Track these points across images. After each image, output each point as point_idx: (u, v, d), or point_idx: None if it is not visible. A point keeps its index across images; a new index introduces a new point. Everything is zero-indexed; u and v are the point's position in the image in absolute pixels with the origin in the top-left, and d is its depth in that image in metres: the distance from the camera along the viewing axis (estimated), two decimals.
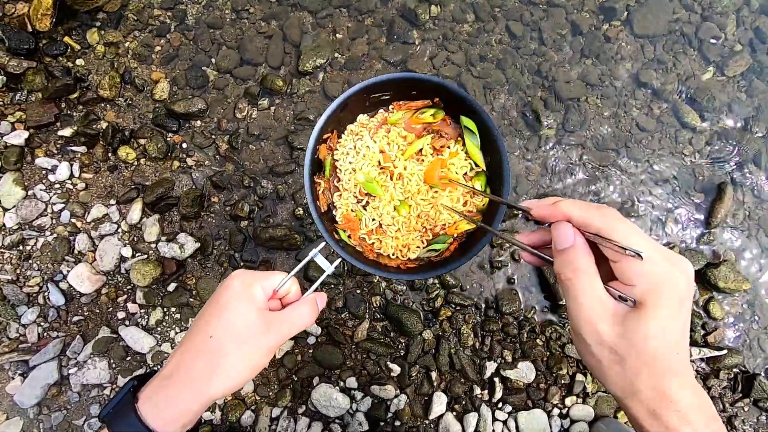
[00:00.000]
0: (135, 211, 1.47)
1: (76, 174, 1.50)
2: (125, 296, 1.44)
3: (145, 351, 1.39)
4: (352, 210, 0.96)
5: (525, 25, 1.76)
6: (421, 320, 1.47)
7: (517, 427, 1.42)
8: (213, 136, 1.58)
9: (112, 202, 1.50)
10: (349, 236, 0.95)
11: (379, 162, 0.96)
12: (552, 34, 1.75)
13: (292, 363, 1.42)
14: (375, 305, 1.49)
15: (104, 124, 1.54)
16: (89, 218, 1.47)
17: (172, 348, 1.41)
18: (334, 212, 0.98)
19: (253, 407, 1.40)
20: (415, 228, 0.94)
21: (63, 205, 1.47)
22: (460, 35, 1.73)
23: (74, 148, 1.51)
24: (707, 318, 1.53)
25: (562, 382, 1.46)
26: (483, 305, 1.51)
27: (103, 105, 1.57)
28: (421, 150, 0.94)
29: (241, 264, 1.49)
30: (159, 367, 1.39)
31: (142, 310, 1.44)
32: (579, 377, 1.46)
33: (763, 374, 1.51)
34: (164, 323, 1.44)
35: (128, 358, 1.40)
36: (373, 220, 0.95)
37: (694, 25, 1.79)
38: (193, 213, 1.50)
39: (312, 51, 1.63)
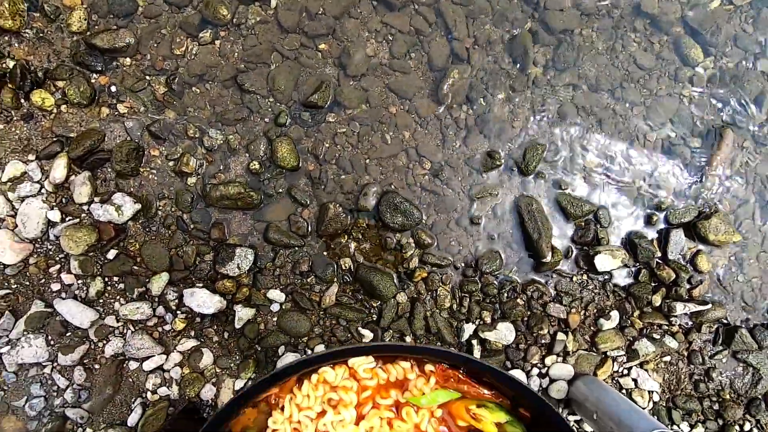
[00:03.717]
0: (59, 168, 1.26)
1: None
2: (58, 266, 1.27)
3: (86, 326, 1.24)
4: None
5: None
6: (394, 282, 1.35)
7: None
8: (147, 77, 1.34)
9: (31, 157, 1.28)
10: None
11: None
12: None
13: (254, 332, 1.31)
14: (344, 268, 1.36)
15: (11, 63, 1.28)
16: (4, 177, 1.25)
17: (118, 321, 1.27)
18: None
19: (213, 380, 1.30)
20: None
21: None
22: None
23: None
24: (693, 272, 1.46)
25: (543, 341, 1.40)
26: (461, 264, 1.40)
27: (7, 38, 1.29)
28: None
29: (191, 227, 1.31)
30: (103, 343, 1.26)
31: (80, 281, 1.27)
32: (560, 336, 1.39)
33: (744, 327, 1.48)
34: (107, 294, 1.28)
35: (68, 334, 1.26)
36: None
37: None
38: (130, 169, 1.29)
39: None
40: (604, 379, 1.41)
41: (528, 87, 1.46)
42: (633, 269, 1.45)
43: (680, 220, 1.45)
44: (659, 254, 1.45)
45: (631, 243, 1.44)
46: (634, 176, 1.47)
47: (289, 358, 1.29)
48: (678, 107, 1.51)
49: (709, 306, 1.43)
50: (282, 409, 0.64)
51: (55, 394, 1.25)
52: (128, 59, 1.33)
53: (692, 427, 1.43)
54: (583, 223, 1.43)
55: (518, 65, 1.46)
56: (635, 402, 1.41)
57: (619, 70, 1.50)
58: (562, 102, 1.46)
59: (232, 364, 1.31)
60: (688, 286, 1.45)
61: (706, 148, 1.50)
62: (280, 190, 1.35)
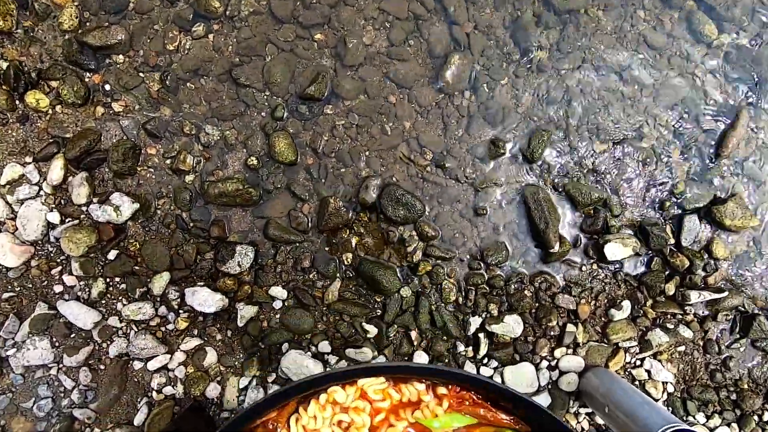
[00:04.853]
0: (56, 169, 1.25)
1: None
2: (60, 268, 1.26)
3: (90, 327, 1.24)
4: None
5: None
6: (398, 276, 1.32)
7: (503, 382, 1.33)
8: (141, 74, 1.31)
9: (28, 159, 1.27)
10: None
11: None
12: None
13: (257, 330, 1.29)
14: (346, 263, 1.33)
15: (4, 64, 1.26)
16: (3, 180, 1.25)
17: (121, 321, 1.26)
18: None
19: (218, 379, 1.29)
20: None
21: None
22: None
23: None
24: (709, 258, 1.41)
25: (552, 333, 1.36)
26: (467, 257, 1.37)
27: None
28: None
29: (191, 225, 1.30)
30: (107, 344, 1.25)
31: (81, 282, 1.27)
32: (570, 327, 1.36)
33: (763, 314, 1.42)
34: (109, 295, 1.27)
35: (72, 335, 1.26)
36: None
37: None
38: (127, 168, 1.28)
39: None
40: (616, 371, 1.37)
41: (532, 71, 1.41)
42: (645, 257, 1.41)
43: (694, 206, 1.40)
44: (672, 241, 1.40)
45: (642, 230, 1.39)
46: (645, 161, 1.41)
47: (292, 355, 1.27)
48: (691, 88, 1.44)
49: (726, 294, 1.38)
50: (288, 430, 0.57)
51: (62, 395, 1.25)
52: (121, 56, 1.31)
53: (708, 417, 1.39)
54: (591, 211, 1.39)
55: (521, 49, 1.41)
56: (649, 394, 1.37)
57: (627, 51, 1.44)
58: (568, 86, 1.41)
59: (236, 362, 1.30)
60: (703, 274, 1.40)
61: (721, 130, 1.43)
62: (279, 186, 1.32)
